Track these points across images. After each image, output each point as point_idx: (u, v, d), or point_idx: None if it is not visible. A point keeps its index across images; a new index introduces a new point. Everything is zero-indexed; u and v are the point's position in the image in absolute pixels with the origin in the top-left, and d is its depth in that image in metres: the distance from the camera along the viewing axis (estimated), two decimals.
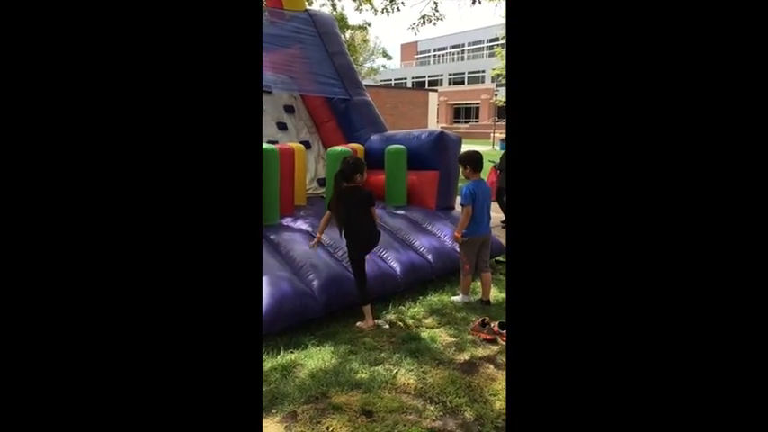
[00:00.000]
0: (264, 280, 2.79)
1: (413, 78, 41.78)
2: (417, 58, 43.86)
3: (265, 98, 5.49)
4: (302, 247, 3.28)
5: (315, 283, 3.00)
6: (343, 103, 5.56)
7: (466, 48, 40.21)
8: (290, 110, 5.68)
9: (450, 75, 39.80)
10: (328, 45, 5.64)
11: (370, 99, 5.74)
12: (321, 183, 5.32)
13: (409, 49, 43.74)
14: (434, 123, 24.87)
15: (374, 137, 5.26)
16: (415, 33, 8.56)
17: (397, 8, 7.47)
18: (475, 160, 3.38)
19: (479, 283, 3.49)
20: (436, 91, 28.69)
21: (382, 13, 7.19)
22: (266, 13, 5.98)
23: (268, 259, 3.03)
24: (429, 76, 41.26)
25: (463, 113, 36.15)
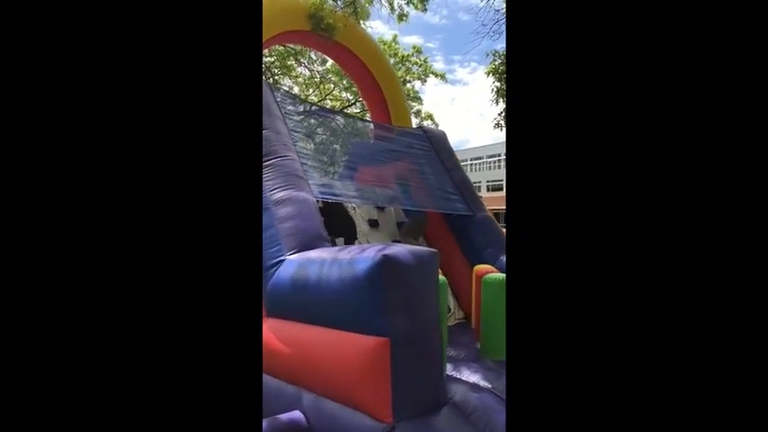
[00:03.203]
0: None
1: None
2: None
3: (380, 215, 5.13)
4: (501, 418, 2.51)
5: None
6: (462, 219, 5.11)
7: (502, 156, 41.51)
8: (401, 226, 5.26)
9: (488, 182, 40.64)
10: (445, 160, 5.38)
11: (491, 215, 5.29)
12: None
13: None
14: None
15: (505, 257, 4.68)
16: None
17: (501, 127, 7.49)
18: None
19: None
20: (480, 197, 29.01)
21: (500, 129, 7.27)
22: (372, 127, 5.90)
23: None
24: None
25: (502, 218, 36.22)
